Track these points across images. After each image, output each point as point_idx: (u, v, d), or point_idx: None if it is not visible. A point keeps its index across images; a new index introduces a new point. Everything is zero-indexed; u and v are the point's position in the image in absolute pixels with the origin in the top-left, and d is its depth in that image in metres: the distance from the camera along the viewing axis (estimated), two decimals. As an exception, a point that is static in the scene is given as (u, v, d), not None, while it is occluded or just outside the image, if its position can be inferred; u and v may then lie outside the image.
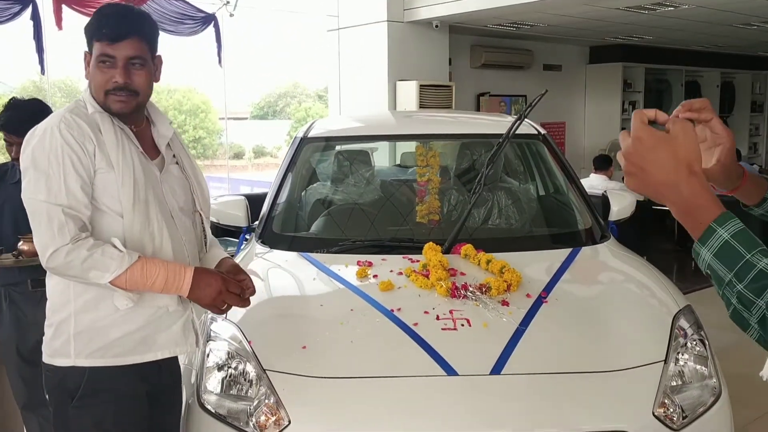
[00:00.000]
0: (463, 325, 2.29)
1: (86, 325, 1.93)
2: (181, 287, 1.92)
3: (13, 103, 2.95)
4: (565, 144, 10.96)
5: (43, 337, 2.01)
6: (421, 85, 7.68)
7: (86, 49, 1.98)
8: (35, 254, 2.76)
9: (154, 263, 1.90)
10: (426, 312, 2.35)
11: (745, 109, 13.08)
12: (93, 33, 1.94)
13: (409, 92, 7.70)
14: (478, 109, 9.52)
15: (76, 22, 6.44)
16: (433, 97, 7.79)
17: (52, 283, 1.98)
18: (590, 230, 3.12)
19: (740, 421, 2.72)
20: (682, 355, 2.32)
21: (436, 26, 7.97)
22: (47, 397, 2.04)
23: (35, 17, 5.81)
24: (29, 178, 1.86)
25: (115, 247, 1.87)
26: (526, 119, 3.60)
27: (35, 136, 1.88)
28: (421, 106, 7.59)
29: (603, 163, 7.34)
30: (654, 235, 7.76)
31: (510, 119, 3.89)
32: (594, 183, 6.84)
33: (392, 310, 2.37)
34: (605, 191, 3.38)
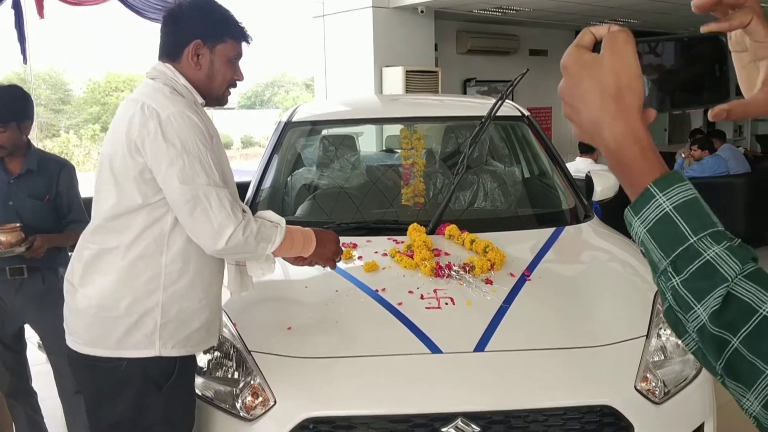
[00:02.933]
0: (447, 303, 2.31)
1: (173, 315, 1.91)
2: (310, 246, 2.04)
3: None
4: (552, 129, 10.99)
5: (100, 330, 1.91)
6: (407, 71, 7.68)
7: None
8: (12, 245, 2.77)
9: (291, 228, 2.00)
10: (410, 292, 2.37)
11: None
12: None
13: (395, 78, 7.71)
14: (464, 94, 9.53)
15: (59, 11, 6.40)
16: (419, 82, 7.80)
17: (130, 272, 1.88)
18: (574, 210, 3.14)
19: (724, 397, 2.75)
20: (664, 330, 2.34)
21: (422, 12, 7.97)
22: (108, 389, 1.96)
23: (16, 6, 5.76)
24: (181, 163, 1.79)
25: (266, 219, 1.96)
26: (509, 101, 3.62)
27: (168, 121, 1.81)
28: (407, 91, 7.60)
29: (588, 147, 7.35)
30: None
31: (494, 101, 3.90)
32: (580, 166, 6.85)
33: (377, 291, 2.38)
34: (589, 171, 3.39)
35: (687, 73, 0.77)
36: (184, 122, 1.82)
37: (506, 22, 9.57)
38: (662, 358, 2.26)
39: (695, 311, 0.67)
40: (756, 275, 0.66)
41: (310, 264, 2.14)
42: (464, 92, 9.58)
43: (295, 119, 3.56)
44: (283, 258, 2.11)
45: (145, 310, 1.89)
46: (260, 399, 2.10)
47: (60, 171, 2.97)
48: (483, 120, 2.70)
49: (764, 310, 0.64)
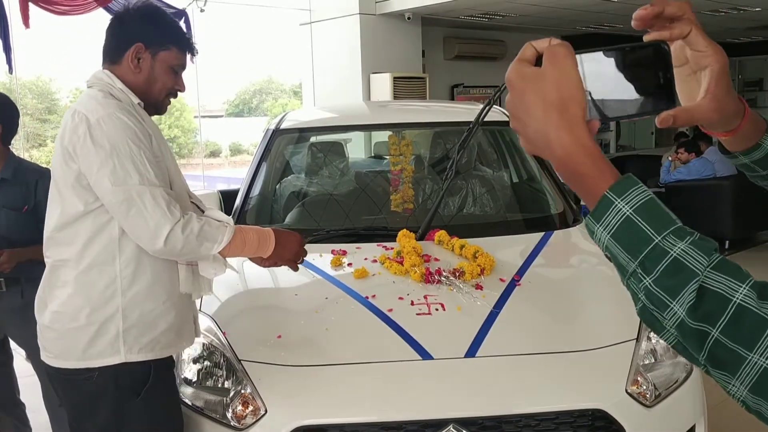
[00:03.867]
0: (437, 309, 2.30)
1: (135, 320, 1.89)
2: (268, 247, 1.99)
3: None
4: (540, 134, 11.04)
5: (66, 342, 1.90)
6: (394, 77, 7.70)
7: None
8: None
9: (245, 228, 1.96)
10: (400, 298, 2.36)
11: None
12: None
13: (383, 84, 7.72)
14: (452, 100, 9.55)
15: (45, 21, 6.37)
16: (406, 88, 7.81)
17: (85, 281, 1.87)
18: (562, 214, 3.14)
19: (715, 399, 2.76)
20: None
21: (409, 18, 7.99)
22: (85, 401, 1.93)
23: (2, 15, 5.73)
24: (112, 165, 1.78)
25: (213, 218, 1.93)
26: (497, 107, 3.63)
27: (97, 125, 1.79)
28: (395, 98, 7.61)
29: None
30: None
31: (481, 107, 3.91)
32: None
33: (367, 297, 2.38)
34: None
35: (631, 82, 0.78)
36: (113, 124, 1.80)
37: (493, 27, 9.61)
38: (653, 361, 2.27)
39: (671, 308, 0.68)
40: (722, 265, 0.69)
41: (275, 264, 2.10)
42: (452, 98, 9.61)
43: (283, 126, 3.55)
44: (249, 258, 2.08)
45: (105, 318, 1.87)
46: (251, 408, 2.08)
47: (38, 180, 2.90)
48: (471, 126, 2.71)
49: (737, 298, 0.67)
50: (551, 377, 2.11)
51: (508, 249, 2.79)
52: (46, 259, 1.95)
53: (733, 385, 0.68)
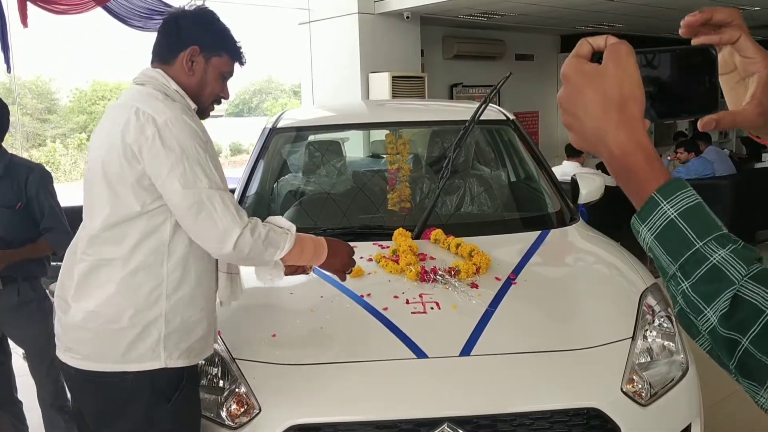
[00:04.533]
0: (432, 308, 2.30)
1: (176, 325, 1.86)
2: (321, 256, 2.01)
3: None
4: (539, 133, 11.03)
5: (102, 344, 1.85)
6: (393, 77, 7.69)
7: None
8: None
9: (302, 236, 1.96)
10: (396, 296, 2.36)
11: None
12: None
13: (381, 84, 7.71)
14: (451, 99, 9.55)
15: (43, 20, 6.37)
16: (405, 88, 7.80)
17: (131, 282, 1.83)
18: (559, 213, 3.14)
19: (712, 398, 2.75)
20: (650, 332, 2.35)
21: (407, 17, 7.98)
22: (115, 405, 1.88)
23: (0, 15, 5.72)
24: (182, 168, 1.76)
25: (276, 224, 1.92)
26: (495, 106, 3.63)
27: (165, 127, 1.77)
28: (394, 97, 7.60)
29: (574, 150, 7.38)
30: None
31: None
32: (567, 170, 6.87)
33: (362, 296, 2.38)
34: (574, 174, 3.40)
35: (679, 84, 0.80)
36: (181, 127, 1.79)
37: (492, 27, 9.60)
38: (648, 359, 2.27)
39: (705, 314, 0.69)
40: (761, 276, 0.68)
41: (305, 272, 2.13)
42: (451, 97, 9.60)
43: (279, 125, 3.55)
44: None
45: (149, 321, 1.83)
46: (245, 407, 2.08)
47: (28, 175, 2.89)
48: (467, 124, 2.70)
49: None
50: (546, 376, 2.11)
51: (505, 248, 2.78)
52: (84, 257, 1.87)
53: (762, 396, 0.68)
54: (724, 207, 7.29)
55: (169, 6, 7.07)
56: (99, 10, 6.49)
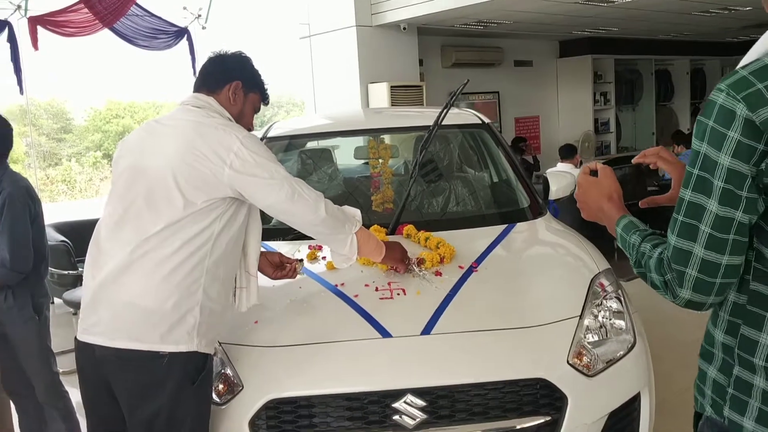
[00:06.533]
0: (398, 294, 2.54)
1: (207, 316, 2.11)
2: (382, 249, 2.48)
3: None
4: (540, 137, 11.23)
5: (146, 325, 2.05)
6: (391, 86, 7.92)
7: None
8: None
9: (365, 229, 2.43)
10: (366, 285, 2.60)
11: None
12: None
13: (380, 94, 7.94)
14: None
15: (55, 42, 6.69)
16: (404, 97, 8.03)
17: (178, 272, 2.06)
18: (527, 208, 3.37)
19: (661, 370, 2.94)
20: (601, 312, 2.56)
21: (404, 29, 8.22)
22: (150, 382, 2.07)
23: (11, 39, 6.05)
24: (271, 170, 2.13)
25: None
26: (471, 110, 3.87)
27: (245, 139, 2.12)
28: (393, 106, 7.82)
29: (568, 152, 7.60)
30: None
31: (461, 112, 4.15)
32: (562, 170, 7.08)
33: (336, 285, 2.62)
34: (545, 172, 3.62)
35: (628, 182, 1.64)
36: (254, 139, 2.19)
37: (490, 35, 9.80)
38: (596, 336, 2.47)
39: (651, 275, 1.32)
40: (643, 238, 1.38)
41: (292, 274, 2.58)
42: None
43: (270, 135, 3.81)
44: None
45: (187, 309, 2.07)
46: (230, 385, 2.32)
47: (3, 192, 2.99)
48: (431, 128, 2.92)
49: (646, 251, 1.35)
50: (499, 351, 2.33)
51: (472, 240, 3.00)
52: (138, 250, 2.07)
53: (679, 293, 1.26)
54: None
55: (174, 25, 7.39)
56: (106, 32, 6.81)
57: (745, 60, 1.22)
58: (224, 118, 2.23)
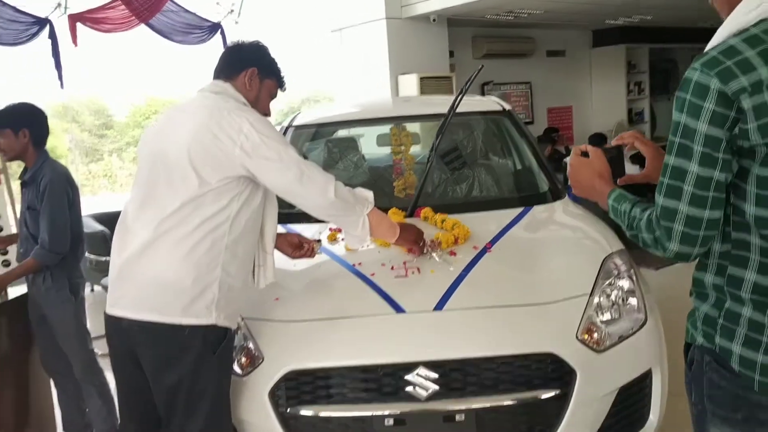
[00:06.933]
0: (413, 273, 2.62)
1: (225, 292, 2.23)
2: (396, 231, 2.55)
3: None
4: (573, 127, 11.17)
5: (169, 299, 2.17)
6: (421, 78, 7.97)
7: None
8: None
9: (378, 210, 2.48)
10: (383, 264, 2.69)
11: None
12: None
13: (410, 85, 7.99)
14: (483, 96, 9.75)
15: (94, 39, 6.91)
16: (434, 88, 8.05)
17: (199, 250, 2.17)
18: (545, 192, 3.42)
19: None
20: (613, 290, 2.62)
21: (434, 20, 8.26)
22: (172, 352, 2.18)
23: (52, 36, 6.27)
24: (281, 151, 2.21)
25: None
26: (494, 98, 3.93)
27: (256, 122, 2.21)
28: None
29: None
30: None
31: (483, 99, 4.21)
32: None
33: (354, 265, 2.71)
34: (564, 159, 3.66)
35: (612, 161, 1.76)
36: (265, 121, 2.27)
37: (522, 25, 9.75)
38: (607, 314, 2.53)
39: (642, 234, 1.50)
40: (635, 206, 1.56)
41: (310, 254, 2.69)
42: (483, 95, 9.83)
43: (295, 123, 3.94)
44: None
45: (206, 285, 2.19)
46: (252, 358, 2.44)
47: (43, 180, 3.19)
48: (447, 113, 2.99)
49: (636, 215, 1.54)
50: (509, 327, 2.40)
51: (488, 222, 3.06)
52: (161, 226, 2.18)
53: (669, 245, 1.44)
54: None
55: (208, 20, 7.56)
56: (144, 29, 7.01)
57: (712, 44, 1.42)
58: (239, 103, 2.33)
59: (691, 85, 1.37)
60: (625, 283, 2.64)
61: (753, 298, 1.43)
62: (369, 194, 2.46)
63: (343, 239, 2.96)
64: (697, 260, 1.53)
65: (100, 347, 3.76)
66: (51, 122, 3.32)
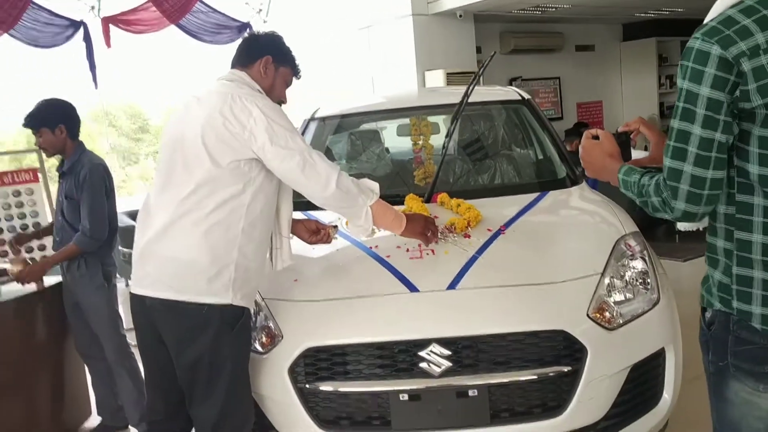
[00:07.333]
0: (428, 254, 2.69)
1: (242, 273, 2.32)
2: (402, 222, 2.58)
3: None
4: (603, 122, 11.10)
5: (188, 279, 2.27)
6: (447, 73, 8.01)
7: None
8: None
9: (383, 201, 2.53)
10: (398, 247, 2.76)
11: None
12: None
13: (437, 81, 8.04)
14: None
15: (128, 42, 7.11)
16: (460, 83, 8.09)
17: (216, 232, 2.27)
18: (563, 179, 3.46)
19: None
20: (627, 271, 2.65)
21: (460, 16, 8.30)
22: (192, 329, 2.28)
23: (86, 38, 6.47)
24: (286, 137, 2.28)
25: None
26: (513, 88, 3.98)
27: (266, 108, 2.29)
28: (449, 93, 7.90)
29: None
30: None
31: (502, 89, 4.26)
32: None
33: (371, 247, 2.79)
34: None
35: (621, 146, 1.87)
36: (274, 107, 2.35)
37: (550, 20, 9.73)
38: (620, 294, 2.56)
39: (651, 199, 1.59)
40: (643, 178, 1.64)
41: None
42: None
43: (317, 116, 4.04)
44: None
45: (223, 265, 2.28)
46: (272, 337, 2.53)
47: (81, 172, 3.38)
48: (460, 101, 3.05)
49: (645, 182, 1.63)
50: (521, 305, 2.45)
51: (504, 206, 3.12)
52: (178, 209, 2.28)
53: (674, 206, 1.54)
54: None
55: (237, 20, 7.71)
56: (173, 31, 7.19)
57: (710, 15, 1.51)
58: (253, 90, 2.41)
59: (693, 53, 1.46)
60: (638, 264, 2.68)
61: (765, 259, 1.50)
62: (374, 185, 2.51)
63: (360, 224, 3.04)
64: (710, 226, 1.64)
65: (133, 338, 3.92)
66: (89, 127, 3.50)
